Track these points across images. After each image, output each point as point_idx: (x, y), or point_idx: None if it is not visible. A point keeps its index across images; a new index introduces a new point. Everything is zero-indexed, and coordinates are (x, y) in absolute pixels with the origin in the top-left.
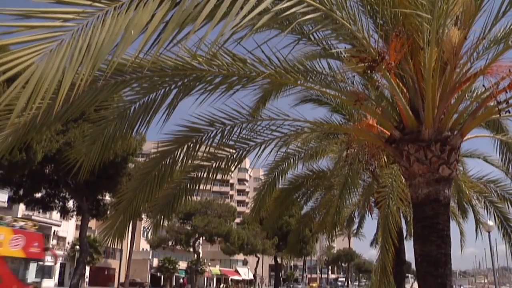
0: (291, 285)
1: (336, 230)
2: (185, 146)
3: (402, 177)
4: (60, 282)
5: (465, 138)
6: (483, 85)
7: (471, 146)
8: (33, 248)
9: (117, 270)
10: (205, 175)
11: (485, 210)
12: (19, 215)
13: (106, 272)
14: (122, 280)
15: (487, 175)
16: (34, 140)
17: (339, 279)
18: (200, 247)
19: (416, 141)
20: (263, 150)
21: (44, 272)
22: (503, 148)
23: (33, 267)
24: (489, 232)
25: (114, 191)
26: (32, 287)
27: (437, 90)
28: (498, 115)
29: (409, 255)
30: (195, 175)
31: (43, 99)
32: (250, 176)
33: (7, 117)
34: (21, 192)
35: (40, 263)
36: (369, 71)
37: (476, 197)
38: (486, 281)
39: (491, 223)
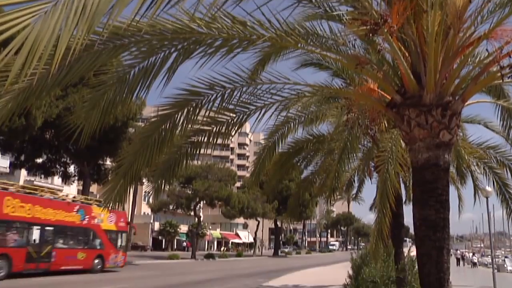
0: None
1: (336, 194)
2: (185, 110)
3: (402, 141)
4: None
5: (466, 104)
6: (487, 50)
7: (471, 112)
8: (121, 223)
9: None
10: (205, 140)
11: (484, 176)
12: (21, 181)
13: None
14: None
15: (487, 141)
16: (34, 106)
17: (331, 243)
18: (201, 210)
19: (417, 105)
20: (263, 114)
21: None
22: (504, 114)
23: (120, 236)
24: (487, 198)
25: (114, 156)
26: (121, 251)
27: (440, 54)
28: (501, 80)
29: (408, 219)
30: (195, 140)
31: (39, 63)
32: (250, 140)
33: (4, 83)
34: (22, 157)
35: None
36: (371, 35)
37: (475, 163)
38: (482, 245)
39: (489, 189)
